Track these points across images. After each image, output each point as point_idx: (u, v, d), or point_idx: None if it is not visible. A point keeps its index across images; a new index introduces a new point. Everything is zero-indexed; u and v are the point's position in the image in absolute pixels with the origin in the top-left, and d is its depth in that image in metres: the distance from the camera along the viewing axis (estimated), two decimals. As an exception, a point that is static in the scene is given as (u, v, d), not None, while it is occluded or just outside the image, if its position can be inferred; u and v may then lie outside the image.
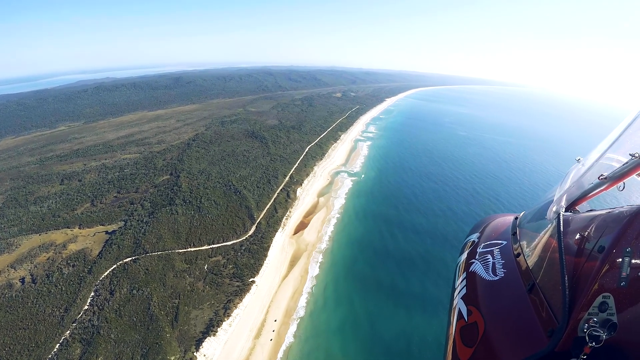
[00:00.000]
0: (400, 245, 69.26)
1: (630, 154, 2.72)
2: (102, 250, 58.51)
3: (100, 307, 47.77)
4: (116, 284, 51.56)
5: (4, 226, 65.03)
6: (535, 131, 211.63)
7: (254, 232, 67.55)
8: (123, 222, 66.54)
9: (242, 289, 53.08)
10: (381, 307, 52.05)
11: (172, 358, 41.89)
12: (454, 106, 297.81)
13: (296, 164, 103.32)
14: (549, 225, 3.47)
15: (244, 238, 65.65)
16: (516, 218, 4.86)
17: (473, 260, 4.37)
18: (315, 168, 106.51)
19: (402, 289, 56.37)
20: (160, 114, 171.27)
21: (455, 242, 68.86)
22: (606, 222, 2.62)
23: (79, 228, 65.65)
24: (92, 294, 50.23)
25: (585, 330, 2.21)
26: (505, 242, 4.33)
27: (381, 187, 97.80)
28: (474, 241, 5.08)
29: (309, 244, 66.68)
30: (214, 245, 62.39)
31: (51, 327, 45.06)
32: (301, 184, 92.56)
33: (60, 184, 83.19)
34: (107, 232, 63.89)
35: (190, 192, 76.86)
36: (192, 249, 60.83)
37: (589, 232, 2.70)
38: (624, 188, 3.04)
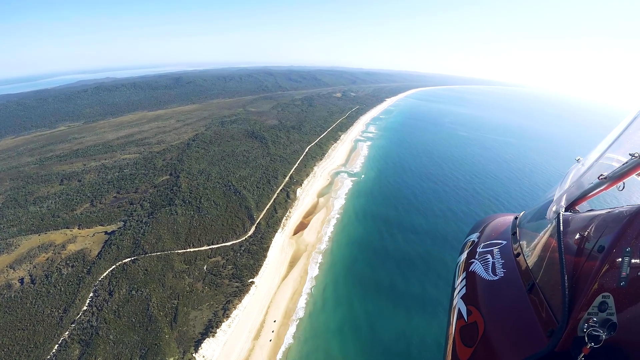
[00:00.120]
0: (399, 245, 69.14)
1: (630, 154, 2.72)
2: (101, 250, 58.42)
3: (99, 308, 47.68)
4: (115, 284, 51.46)
5: (4, 226, 64.94)
6: (536, 131, 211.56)
7: (253, 233, 67.46)
8: (122, 223, 66.44)
9: (242, 290, 53.00)
10: (380, 308, 51.93)
11: (171, 359, 41.81)
12: (454, 106, 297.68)
13: (296, 164, 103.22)
14: (549, 225, 3.46)
15: (244, 238, 65.55)
16: (516, 218, 4.85)
17: (473, 260, 4.36)
18: (315, 168, 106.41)
19: (401, 289, 56.27)
20: (160, 114, 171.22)
21: (455, 242, 68.72)
22: (606, 222, 2.62)
23: (79, 228, 65.57)
24: (91, 294, 50.15)
25: (585, 330, 2.20)
26: (505, 242, 4.33)
27: (381, 187, 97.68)
28: (473, 241, 5.07)
29: (309, 245, 66.57)
30: (213, 246, 62.30)
31: (50, 327, 44.97)
32: (301, 185, 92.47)
33: (60, 184, 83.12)
34: (106, 233, 63.80)
35: (190, 193, 76.77)
36: (192, 250, 60.73)
37: (588, 232, 2.70)
38: (623, 188, 3.03)
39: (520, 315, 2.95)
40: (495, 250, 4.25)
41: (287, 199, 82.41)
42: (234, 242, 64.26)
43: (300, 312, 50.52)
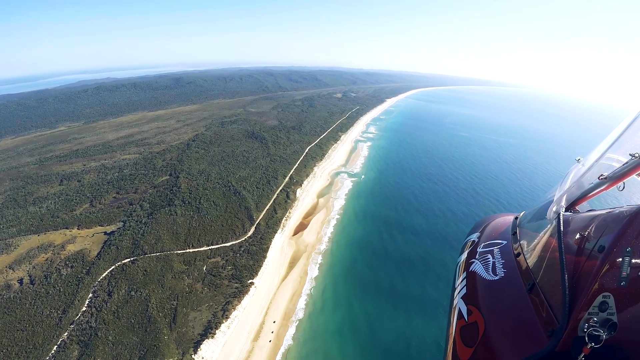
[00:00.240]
0: (399, 246, 69.02)
1: (630, 154, 2.71)
2: (100, 251, 58.33)
3: (98, 309, 47.57)
4: (114, 285, 51.36)
5: (3, 227, 64.91)
6: (536, 131, 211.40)
7: (253, 233, 67.34)
8: (122, 223, 66.35)
9: (241, 291, 52.86)
10: (380, 309, 51.78)
11: (170, 360, 41.69)
12: (454, 107, 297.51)
13: (296, 165, 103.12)
14: (549, 225, 3.46)
15: (243, 239, 65.44)
16: (516, 218, 4.86)
17: (473, 260, 4.36)
18: (315, 169, 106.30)
19: (401, 290, 56.11)
20: (160, 114, 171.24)
21: (455, 243, 68.55)
22: (606, 222, 2.62)
23: (78, 229, 65.49)
24: (90, 295, 50.04)
25: (585, 330, 2.20)
26: (505, 242, 4.33)
27: (381, 188, 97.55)
28: (474, 241, 5.07)
29: (309, 245, 66.43)
30: (212, 247, 62.18)
31: (49, 328, 44.87)
32: (301, 185, 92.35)
33: (60, 185, 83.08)
34: (105, 233, 63.70)
35: (190, 193, 76.68)
36: (191, 250, 60.61)
37: (589, 232, 2.70)
38: (624, 188, 3.02)
39: (520, 315, 2.96)
40: (496, 250, 4.25)
41: (287, 200, 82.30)
42: (234, 242, 64.14)
43: (300, 313, 50.38)
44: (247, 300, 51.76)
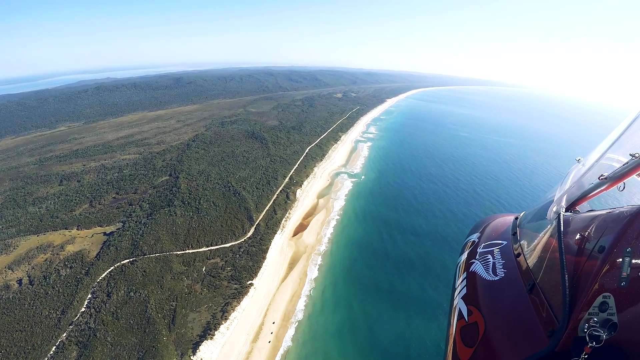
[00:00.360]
0: (399, 247, 68.85)
1: (630, 154, 2.71)
2: (99, 251, 58.25)
3: (97, 310, 47.48)
4: (113, 286, 51.27)
5: (2, 227, 64.86)
6: (536, 131, 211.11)
7: (252, 234, 67.21)
8: (121, 224, 66.27)
9: (240, 292, 52.72)
10: (380, 310, 51.63)
11: (169, 362, 41.57)
12: (455, 107, 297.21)
13: (296, 165, 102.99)
14: (549, 226, 3.47)
15: (243, 240, 65.31)
16: (516, 218, 4.86)
17: (473, 260, 4.36)
18: (315, 169, 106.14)
19: (401, 292, 55.95)
20: (160, 114, 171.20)
21: (455, 244, 68.38)
22: (606, 222, 2.63)
23: (77, 229, 65.41)
24: (89, 296, 49.96)
25: (585, 330, 2.20)
26: (505, 242, 4.34)
27: (381, 188, 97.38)
28: (474, 241, 5.07)
29: (308, 246, 66.28)
30: (212, 247, 62.07)
31: (48, 329, 44.79)
32: (301, 185, 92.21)
33: (59, 185, 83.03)
34: (105, 234, 63.61)
35: (189, 194, 76.57)
36: (190, 251, 60.50)
37: (589, 232, 2.71)
38: (624, 188, 3.03)
39: (520, 315, 2.96)
40: (496, 250, 4.25)
41: (286, 200, 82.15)
42: (233, 243, 64.01)
43: (299, 314, 50.23)
44: (246, 301, 51.63)
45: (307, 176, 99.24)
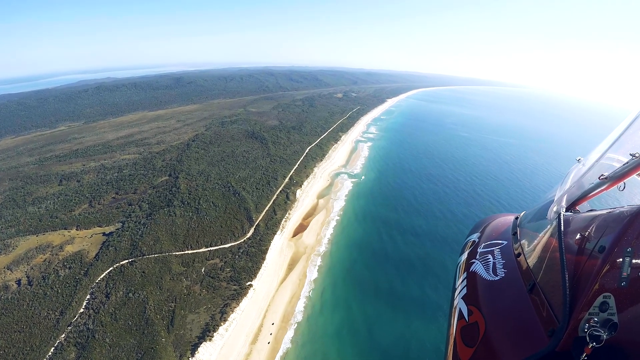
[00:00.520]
0: (399, 248, 68.66)
1: (630, 154, 2.71)
2: (98, 252, 58.12)
3: (96, 311, 47.34)
4: (112, 286, 51.13)
5: (1, 227, 64.77)
6: (537, 131, 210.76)
7: (252, 235, 67.04)
8: (121, 224, 66.13)
9: (240, 293, 52.55)
10: (379, 311, 51.44)
11: (168, 363, 41.41)
12: (455, 107, 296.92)
13: (296, 165, 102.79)
14: (550, 225, 3.47)
15: (242, 240, 65.14)
16: (516, 218, 4.86)
17: (474, 260, 4.37)
18: (315, 169, 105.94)
19: (400, 293, 55.75)
20: (160, 114, 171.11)
21: (454, 244, 68.15)
22: (607, 222, 2.62)
23: (77, 229, 65.30)
24: (88, 296, 49.83)
25: (586, 330, 2.20)
26: (505, 242, 4.35)
27: (381, 188, 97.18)
28: (474, 241, 5.08)
29: (308, 247, 66.09)
30: (211, 248, 61.91)
31: (46, 330, 44.67)
32: (301, 186, 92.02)
33: (59, 185, 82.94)
34: (104, 234, 63.49)
35: (189, 194, 76.41)
36: (190, 252, 60.35)
37: (589, 232, 2.71)
38: (624, 188, 3.03)
39: (521, 315, 2.96)
40: (496, 250, 4.26)
41: (286, 201, 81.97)
42: (233, 244, 63.85)
43: (299, 316, 50.05)
44: (245, 302, 51.46)
45: (307, 176, 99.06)
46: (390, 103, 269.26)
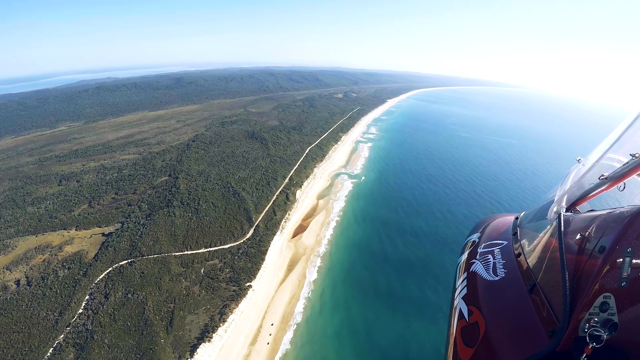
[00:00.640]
0: (399, 249, 68.49)
1: (630, 154, 2.70)
2: (98, 252, 58.03)
3: (95, 311, 47.24)
4: (111, 287, 51.03)
5: (1, 227, 64.71)
6: (537, 132, 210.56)
7: (251, 235, 66.92)
8: (120, 224, 66.04)
9: (239, 294, 52.42)
10: (379, 312, 51.28)
11: (166, 364, 41.30)
12: (456, 107, 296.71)
13: (296, 166, 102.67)
14: (550, 226, 3.48)
15: (242, 241, 65.03)
16: (517, 218, 4.88)
17: (474, 261, 4.38)
18: (316, 170, 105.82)
19: (400, 294, 55.60)
20: (160, 114, 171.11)
21: (455, 245, 67.90)
22: (607, 222, 2.62)
23: (76, 230, 65.22)
24: (87, 297, 49.73)
25: (586, 330, 2.21)
26: (505, 242, 4.36)
27: (381, 189, 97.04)
28: (474, 241, 5.09)
29: (308, 248, 65.95)
30: (211, 249, 61.81)
31: (45, 330, 44.60)
32: (301, 186, 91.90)
33: (59, 185, 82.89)
34: (103, 234, 63.40)
35: (189, 194, 76.31)
36: (189, 252, 60.24)
37: (589, 232, 2.71)
38: (624, 188, 3.03)
39: (521, 315, 2.97)
40: (496, 250, 4.27)
41: (286, 201, 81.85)
42: (232, 244, 63.74)
43: (298, 317, 49.91)
44: (244, 303, 51.33)
45: (307, 177, 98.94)
46: (390, 103, 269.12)
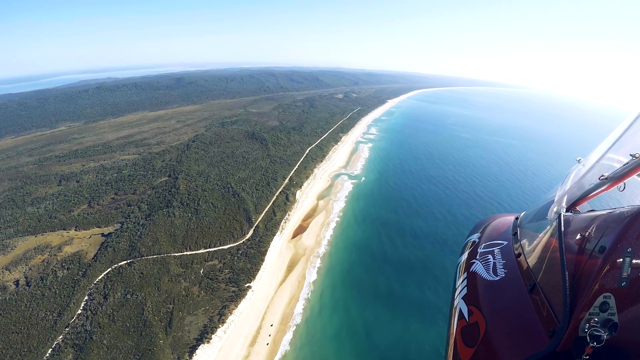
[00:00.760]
0: (399, 249, 68.37)
1: (630, 155, 2.70)
2: (97, 253, 57.96)
3: (94, 312, 47.16)
4: (110, 288, 50.94)
5: (0, 227, 64.61)
6: (538, 132, 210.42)
7: (251, 236, 66.83)
8: (119, 225, 65.97)
9: (238, 295, 52.35)
10: (378, 313, 51.16)
11: (165, 365, 41.20)
12: (456, 108, 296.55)
13: (296, 166, 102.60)
14: (550, 226, 3.48)
15: (241, 242, 64.94)
16: (517, 218, 4.88)
17: (474, 261, 4.38)
18: (316, 170, 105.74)
19: (399, 295, 55.48)
20: (160, 114, 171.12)
21: (454, 246, 67.78)
22: (607, 223, 2.62)
23: (75, 230, 65.15)
24: (86, 298, 49.67)
25: (586, 330, 2.22)
26: (506, 242, 4.37)
27: (381, 190, 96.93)
28: (474, 241, 5.09)
29: (307, 249, 65.84)
30: (210, 249, 61.72)
31: (44, 331, 44.53)
32: (301, 187, 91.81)
33: (58, 185, 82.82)
34: (103, 235, 63.34)
35: (188, 195, 76.22)
36: (188, 253, 60.15)
37: (589, 233, 2.70)
38: (624, 188, 3.02)
39: (521, 315, 2.97)
40: (496, 250, 4.27)
41: (286, 202, 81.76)
42: (232, 245, 63.65)
43: (298, 318, 49.81)
44: (244, 304, 51.24)
45: (307, 177, 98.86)
46: (390, 104, 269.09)
